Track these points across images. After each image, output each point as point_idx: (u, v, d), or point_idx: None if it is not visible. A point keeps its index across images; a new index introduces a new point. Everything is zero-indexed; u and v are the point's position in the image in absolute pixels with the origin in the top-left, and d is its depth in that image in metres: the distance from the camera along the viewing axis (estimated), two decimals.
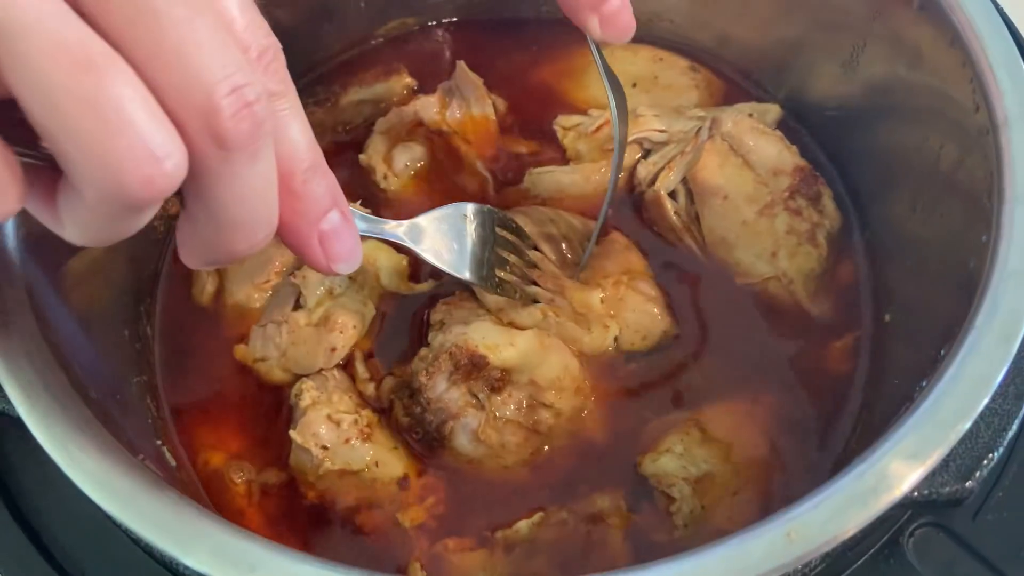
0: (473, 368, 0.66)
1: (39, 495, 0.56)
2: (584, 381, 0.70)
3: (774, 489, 0.67)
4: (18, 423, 0.48)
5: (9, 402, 0.48)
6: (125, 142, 0.32)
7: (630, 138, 0.80)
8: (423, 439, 0.68)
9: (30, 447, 0.46)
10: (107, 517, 0.53)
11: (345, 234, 0.44)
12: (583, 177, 0.80)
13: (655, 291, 0.74)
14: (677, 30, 0.89)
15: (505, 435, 0.67)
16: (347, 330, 0.70)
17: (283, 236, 0.43)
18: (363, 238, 0.53)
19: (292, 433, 0.67)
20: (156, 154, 0.33)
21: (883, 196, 0.75)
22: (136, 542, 0.55)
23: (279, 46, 0.40)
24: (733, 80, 0.88)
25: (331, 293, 0.72)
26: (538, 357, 0.68)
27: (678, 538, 0.65)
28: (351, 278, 0.73)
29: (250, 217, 0.39)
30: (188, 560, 0.43)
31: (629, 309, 0.72)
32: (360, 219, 0.58)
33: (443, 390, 0.67)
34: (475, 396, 0.67)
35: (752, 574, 0.43)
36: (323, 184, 0.43)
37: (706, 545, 0.44)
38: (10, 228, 0.55)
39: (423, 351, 0.70)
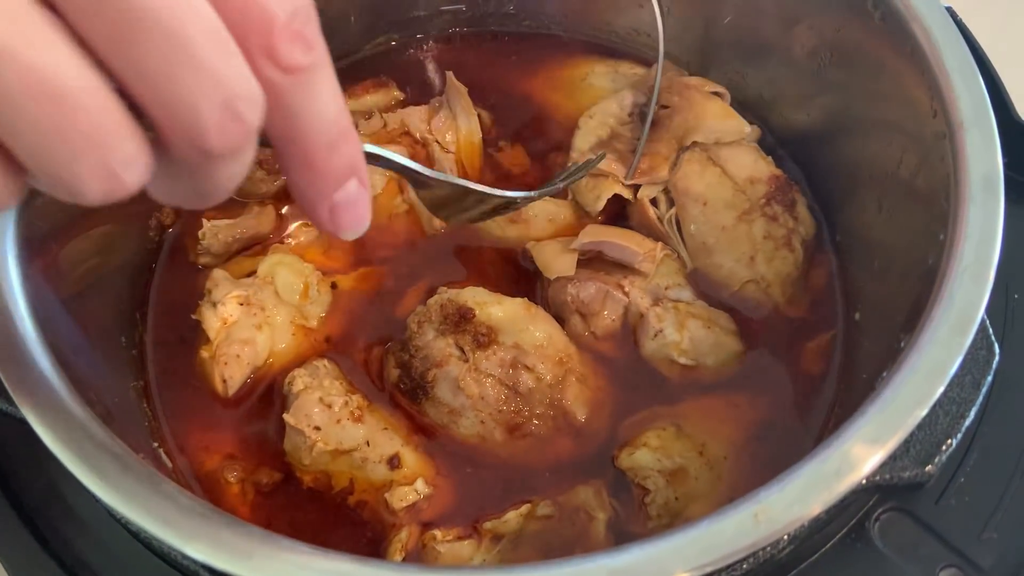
0: (461, 320, 0.71)
1: (42, 493, 0.58)
2: (568, 354, 0.73)
3: (747, 484, 0.70)
4: (22, 423, 0.50)
5: (13, 403, 0.50)
6: (91, 159, 0.32)
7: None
8: (408, 389, 0.72)
9: (33, 447, 0.48)
10: (109, 513, 0.55)
11: (358, 204, 0.41)
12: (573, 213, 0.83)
13: None
14: (655, 44, 0.92)
15: (485, 388, 0.70)
16: (231, 360, 0.73)
17: (295, 198, 0.41)
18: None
19: (286, 416, 0.69)
20: (119, 173, 0.33)
21: (850, 202, 0.78)
22: (135, 535, 0.57)
23: (311, 5, 0.36)
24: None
25: (224, 323, 0.74)
26: (523, 323, 0.72)
27: (652, 528, 0.67)
28: (245, 303, 0.75)
29: (222, 189, 0.38)
30: (189, 550, 0.45)
31: None
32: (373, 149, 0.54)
33: (430, 339, 0.71)
34: (460, 349, 0.71)
35: (722, 553, 0.45)
36: (346, 155, 0.39)
37: (678, 528, 0.47)
38: (10, 235, 0.57)
39: (419, 308, 0.74)
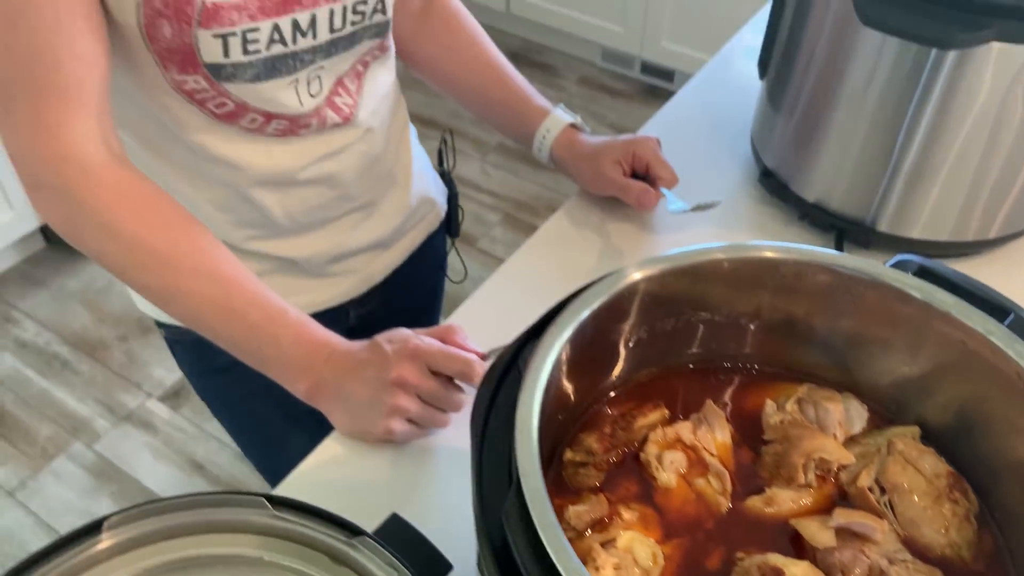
0: None
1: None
2: None
3: None
4: None
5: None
6: None
7: (836, 465, 1.21)
8: None
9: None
10: None
11: None
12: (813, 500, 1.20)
13: None
14: (828, 375, 1.34)
15: None
16: None
17: None
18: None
19: None
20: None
21: (996, 489, 1.15)
22: None
23: None
24: (875, 410, 1.32)
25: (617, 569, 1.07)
26: None
27: None
28: (617, 568, 1.06)
29: None
30: None
31: None
32: None
33: None
34: None
35: None
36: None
37: None
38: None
39: (736, 569, 1.08)
